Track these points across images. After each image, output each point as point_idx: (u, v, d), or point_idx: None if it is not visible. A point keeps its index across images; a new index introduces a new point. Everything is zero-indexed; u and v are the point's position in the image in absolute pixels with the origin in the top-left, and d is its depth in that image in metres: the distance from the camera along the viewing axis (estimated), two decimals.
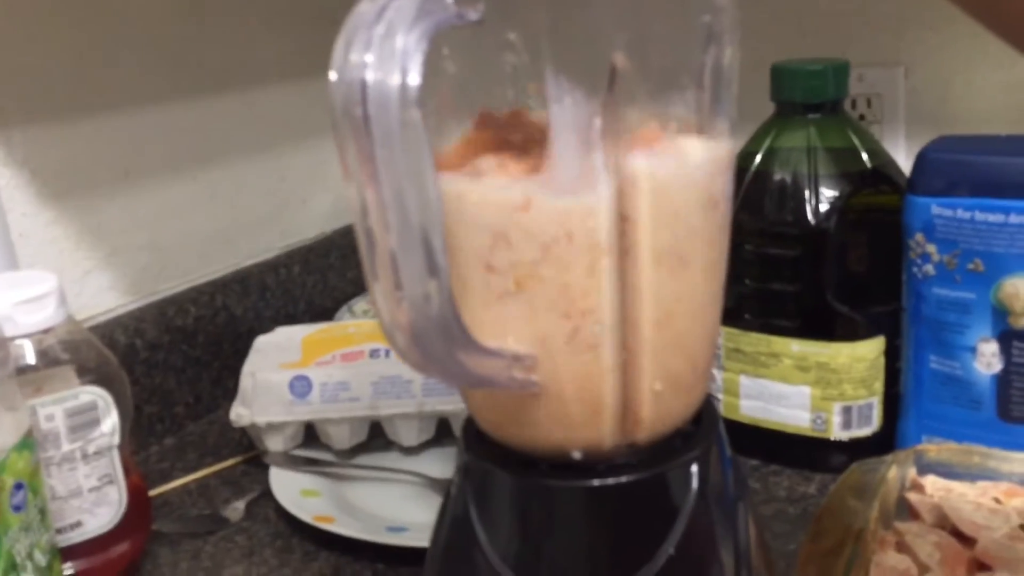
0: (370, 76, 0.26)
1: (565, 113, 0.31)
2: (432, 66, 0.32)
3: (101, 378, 0.54)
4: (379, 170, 0.27)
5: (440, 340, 0.29)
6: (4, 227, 0.64)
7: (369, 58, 0.26)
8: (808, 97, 0.59)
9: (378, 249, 0.28)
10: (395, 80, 0.26)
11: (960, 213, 0.54)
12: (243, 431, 0.68)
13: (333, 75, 0.27)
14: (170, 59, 0.76)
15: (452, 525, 0.37)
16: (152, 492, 0.63)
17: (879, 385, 0.60)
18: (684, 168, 0.33)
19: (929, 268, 0.55)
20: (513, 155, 0.32)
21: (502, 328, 0.32)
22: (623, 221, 0.32)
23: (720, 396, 0.63)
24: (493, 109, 0.34)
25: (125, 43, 0.72)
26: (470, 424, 0.38)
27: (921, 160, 0.56)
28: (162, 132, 0.76)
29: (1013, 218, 0.52)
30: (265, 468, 0.64)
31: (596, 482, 0.33)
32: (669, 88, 0.34)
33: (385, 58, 0.26)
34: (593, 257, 0.31)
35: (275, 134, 0.86)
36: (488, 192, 0.32)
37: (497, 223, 0.31)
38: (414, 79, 0.26)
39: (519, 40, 0.31)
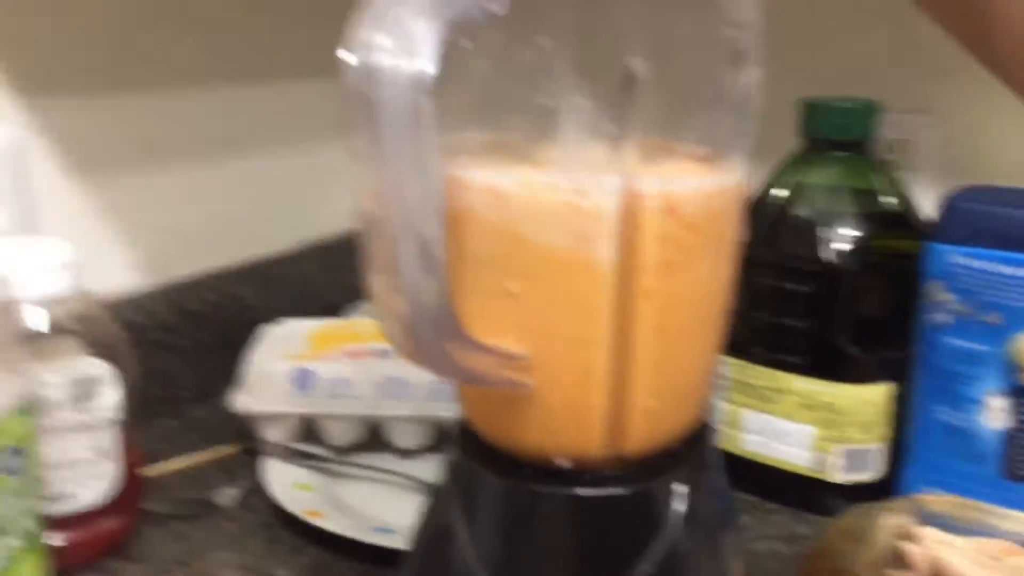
0: (383, 59, 0.26)
1: (580, 118, 0.30)
2: (460, 65, 0.31)
3: (108, 353, 0.54)
4: (383, 153, 0.27)
5: (432, 332, 0.29)
6: (28, 193, 0.64)
7: (384, 40, 0.26)
8: (837, 134, 0.59)
9: (377, 234, 0.28)
10: (407, 65, 0.26)
11: (981, 264, 0.53)
12: (242, 420, 0.68)
13: (347, 54, 0.27)
14: (211, 42, 0.76)
15: (434, 521, 0.36)
16: (146, 472, 0.63)
17: (883, 431, 0.59)
18: (695, 188, 0.33)
19: (944, 316, 0.55)
20: (523, 157, 0.32)
21: (500, 326, 0.32)
22: (628, 233, 0.31)
23: (723, 428, 0.63)
24: (515, 112, 0.34)
25: (168, 22, 0.73)
26: (465, 423, 0.38)
27: (946, 208, 0.55)
28: (193, 114, 0.76)
29: None
30: (260, 458, 0.64)
31: (580, 491, 0.33)
32: (690, 103, 0.34)
33: (400, 42, 0.26)
34: (596, 264, 0.31)
35: (309, 127, 0.86)
36: (496, 190, 0.31)
37: (503, 222, 0.31)
38: (428, 66, 0.26)
39: (546, 43, 0.31)
